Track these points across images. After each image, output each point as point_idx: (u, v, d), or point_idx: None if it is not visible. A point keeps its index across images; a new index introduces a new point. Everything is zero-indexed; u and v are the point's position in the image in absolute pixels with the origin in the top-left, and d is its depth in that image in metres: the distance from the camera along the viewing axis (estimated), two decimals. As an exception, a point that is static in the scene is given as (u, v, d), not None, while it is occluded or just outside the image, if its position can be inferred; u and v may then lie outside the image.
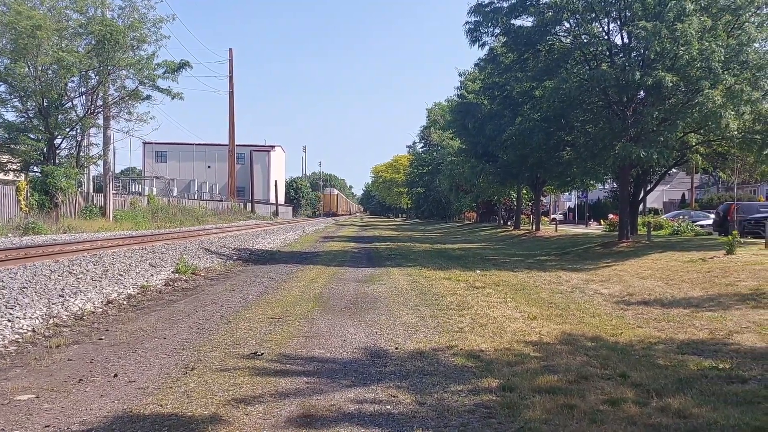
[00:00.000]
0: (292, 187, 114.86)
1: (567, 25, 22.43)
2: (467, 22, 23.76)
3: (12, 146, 31.42)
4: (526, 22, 23.47)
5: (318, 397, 5.56)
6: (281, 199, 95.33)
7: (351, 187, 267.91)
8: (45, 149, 31.40)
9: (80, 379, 6.13)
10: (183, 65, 34.73)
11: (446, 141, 56.78)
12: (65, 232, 27.18)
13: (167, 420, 4.97)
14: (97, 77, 32.56)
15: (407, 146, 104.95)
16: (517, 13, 22.88)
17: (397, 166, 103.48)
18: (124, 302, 10.91)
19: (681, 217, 34.95)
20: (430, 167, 74.54)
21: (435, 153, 72.72)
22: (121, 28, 31.42)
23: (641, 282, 13.68)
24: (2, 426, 4.87)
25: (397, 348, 7.49)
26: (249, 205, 73.71)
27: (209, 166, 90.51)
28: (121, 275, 13.18)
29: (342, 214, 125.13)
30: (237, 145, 74.57)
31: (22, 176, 32.57)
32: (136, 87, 33.97)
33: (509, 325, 8.91)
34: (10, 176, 35.03)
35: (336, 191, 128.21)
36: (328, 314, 9.75)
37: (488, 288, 12.97)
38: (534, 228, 38.95)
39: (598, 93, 21.65)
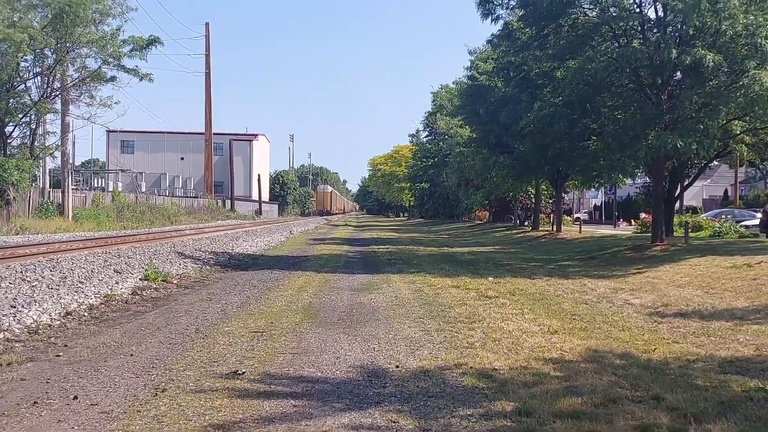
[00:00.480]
0: (277, 182, 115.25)
1: (593, -5, 22.41)
2: (478, -8, 23.75)
3: (-44, 135, 31.42)
4: (546, -8, 23.43)
5: (307, 423, 5.57)
6: (265, 195, 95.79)
7: (345, 182, 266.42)
8: (-6, 138, 31.42)
9: (35, 402, 6.12)
10: (153, 42, 34.76)
11: (454, 129, 56.63)
12: (17, 233, 27.19)
13: (134, 449, 4.96)
14: (54, 56, 32.57)
15: (410, 135, 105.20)
16: (536, -18, 22.83)
17: (398, 157, 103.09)
18: (85, 314, 10.91)
19: (723, 216, 35.00)
20: (435, 159, 74.46)
21: (442, 143, 72.08)
22: (81, -1, 31.39)
23: (677, 291, 13.73)
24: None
25: (397, 366, 7.53)
26: (228, 202, 73.97)
27: (183, 158, 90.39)
28: (81, 283, 13.17)
29: (336, 213, 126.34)
30: (214, 134, 74.57)
31: (-32, 169, 32.55)
32: (99, 67, 34.02)
33: (526, 339, 8.98)
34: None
35: (329, 188, 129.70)
36: (318, 327, 9.82)
37: (502, 298, 13.01)
38: (555, 229, 38.98)
39: (629, 74, 21.62)
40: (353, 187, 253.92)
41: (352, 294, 13.62)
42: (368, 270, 19.20)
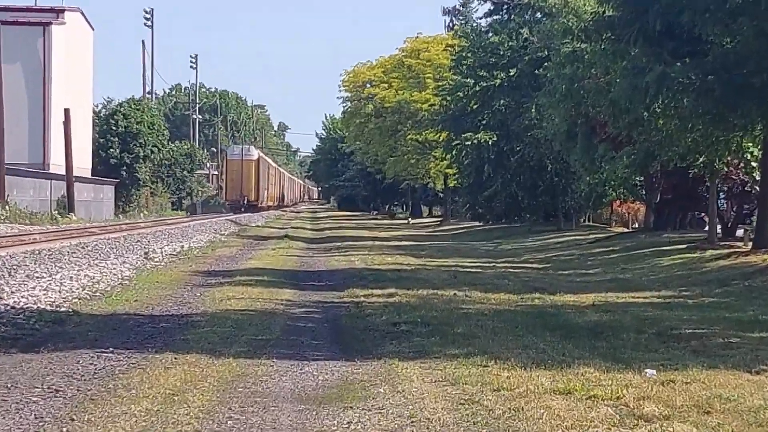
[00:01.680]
0: (113, 127, 53.16)
1: None
2: None
3: None
4: None
5: None
6: (84, 161, 48.00)
7: (285, 130, 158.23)
8: None
9: None
10: None
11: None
12: None
13: None
14: None
15: (445, 12, 54.46)
16: None
17: (417, 67, 51.08)
18: None
19: None
20: (513, 71, 35.23)
21: (527, 30, 34.86)
22: None
23: None
24: None
25: None
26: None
27: None
28: None
29: (266, 207, 69.05)
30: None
31: None
32: None
33: None
34: None
35: (255, 153, 66.59)
36: None
37: (679, 420, 6.91)
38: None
39: None
40: (303, 144, 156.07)
41: (300, 413, 6.94)
42: (341, 350, 10.56)
